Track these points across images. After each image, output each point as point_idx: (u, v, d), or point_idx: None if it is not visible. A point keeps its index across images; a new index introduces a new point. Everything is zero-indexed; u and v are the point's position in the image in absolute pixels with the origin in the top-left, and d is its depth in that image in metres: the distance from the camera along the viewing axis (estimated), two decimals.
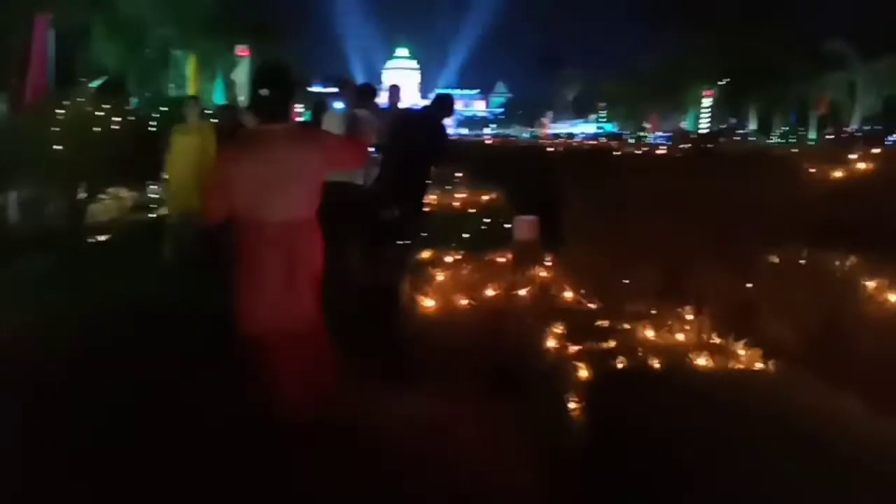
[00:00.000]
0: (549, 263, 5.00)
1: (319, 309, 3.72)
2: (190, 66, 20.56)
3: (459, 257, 5.30)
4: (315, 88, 26.19)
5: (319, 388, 3.60)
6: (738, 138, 40.22)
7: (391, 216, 6.79)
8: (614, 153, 11.25)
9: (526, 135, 74.64)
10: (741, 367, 3.54)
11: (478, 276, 4.88)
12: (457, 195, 8.63)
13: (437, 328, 4.65)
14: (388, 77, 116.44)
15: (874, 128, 38.59)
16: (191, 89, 19.27)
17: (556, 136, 59.34)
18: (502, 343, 4.36)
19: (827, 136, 37.74)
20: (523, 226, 5.22)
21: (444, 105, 7.36)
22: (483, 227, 6.36)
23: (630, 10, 70.70)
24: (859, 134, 37.79)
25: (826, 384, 3.23)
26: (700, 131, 46.81)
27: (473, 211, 7.30)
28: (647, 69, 55.12)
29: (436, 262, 5.26)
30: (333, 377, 3.73)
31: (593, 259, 4.98)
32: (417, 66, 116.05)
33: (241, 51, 25.20)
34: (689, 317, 4.17)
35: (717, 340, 3.85)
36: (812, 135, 41.63)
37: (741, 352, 3.69)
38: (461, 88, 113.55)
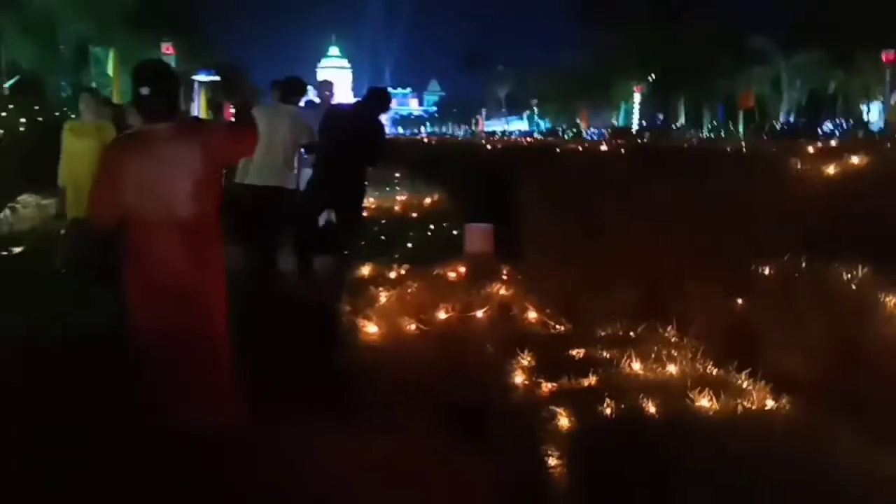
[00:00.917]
0: (507, 278, 4.31)
1: (220, 315, 3.55)
2: (111, 64, 19.12)
3: (404, 272, 4.55)
4: (200, 77, 24.69)
5: (208, 401, 3.42)
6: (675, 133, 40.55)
7: (327, 223, 6.03)
8: (558, 150, 10.68)
9: (461, 132, 74.28)
10: (750, 406, 2.91)
11: (427, 296, 4.14)
12: (396, 198, 7.88)
13: (382, 357, 3.91)
14: (321, 76, 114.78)
15: (800, 121, 39.37)
16: (114, 88, 17.86)
17: (492, 133, 59.14)
18: (458, 376, 3.64)
19: (758, 131, 38.23)
20: (476, 235, 4.52)
21: (379, 99, 6.61)
22: (428, 235, 5.62)
23: (558, 7, 71.06)
24: (786, 127, 38.52)
25: (852, 427, 2.64)
26: (633, 127, 47.12)
27: (416, 216, 6.55)
28: (576, 66, 55.31)
29: (378, 279, 4.51)
30: (228, 391, 3.50)
31: (557, 273, 4.31)
32: (349, 66, 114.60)
33: (167, 49, 23.76)
34: (675, 341, 3.56)
35: (714, 371, 3.22)
36: (740, 129, 42.19)
37: (745, 386, 3.06)
38: (394, 87, 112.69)
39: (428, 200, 7.38)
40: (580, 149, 15.03)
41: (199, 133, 3.47)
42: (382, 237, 5.90)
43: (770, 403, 2.93)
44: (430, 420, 3.49)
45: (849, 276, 3.22)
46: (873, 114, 41.31)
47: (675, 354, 3.35)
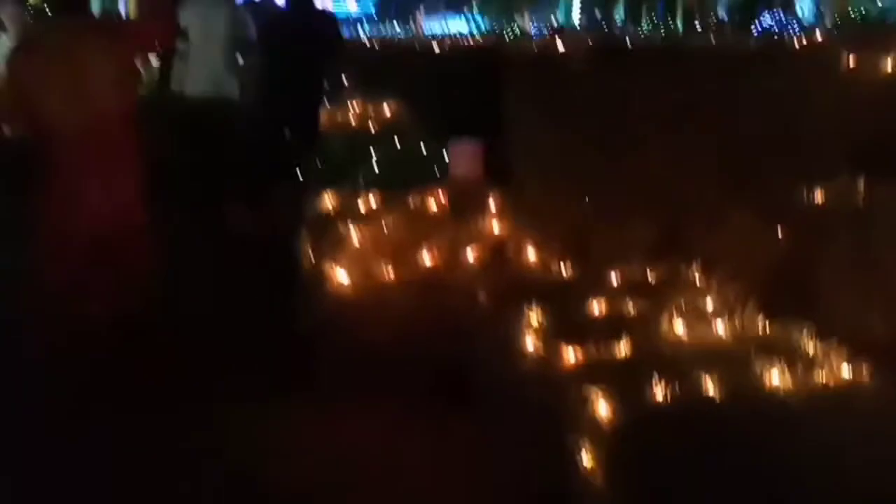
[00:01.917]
0: (500, 209, 3.54)
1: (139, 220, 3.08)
2: None
3: (374, 204, 3.73)
4: None
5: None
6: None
7: (281, 143, 5.11)
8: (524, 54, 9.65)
9: (401, 33, 71.07)
10: (829, 379, 2.27)
11: (405, 234, 3.35)
12: (347, 110, 6.88)
13: (353, 314, 3.16)
14: None
15: (734, 17, 38.54)
16: None
17: (433, 37, 56.70)
18: (449, 339, 2.92)
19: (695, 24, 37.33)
20: (463, 156, 3.72)
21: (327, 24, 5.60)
22: (395, 153, 4.76)
23: None
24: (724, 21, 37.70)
25: None
26: (576, 24, 45.68)
27: (376, 131, 5.64)
28: None
29: (344, 213, 3.69)
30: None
31: (554, 200, 3.55)
32: None
33: None
34: (708, 286, 2.88)
35: (770, 331, 2.56)
36: (679, 26, 41.24)
37: (814, 350, 2.42)
38: None
39: (387, 113, 6.44)
40: (544, 51, 13.97)
41: (106, 27, 3.29)
42: (341, 156, 5.01)
43: (848, 372, 2.31)
44: (412, 389, 2.80)
45: None
46: (805, 6, 40.81)
47: (717, 307, 2.70)
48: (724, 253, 3.01)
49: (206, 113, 5.33)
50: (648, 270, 2.95)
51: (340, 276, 3.24)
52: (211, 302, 3.50)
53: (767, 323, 2.56)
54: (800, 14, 37.87)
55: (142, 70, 3.53)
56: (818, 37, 6.27)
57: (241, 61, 5.67)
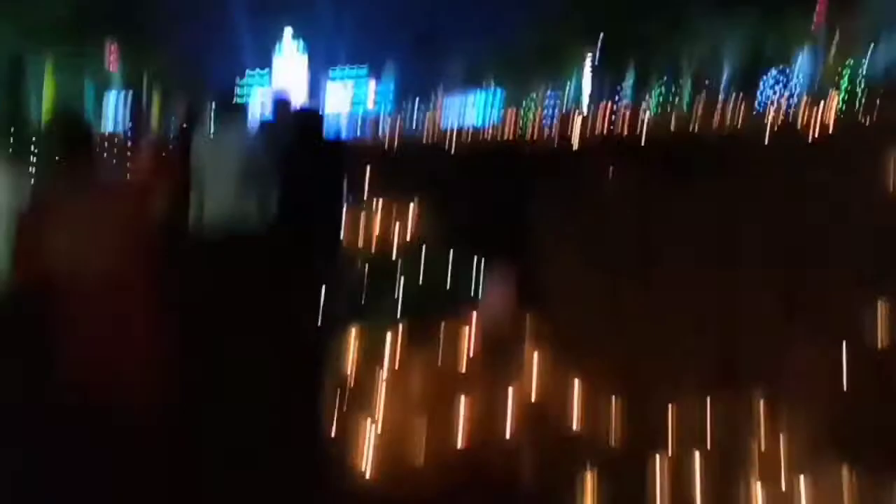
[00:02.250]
0: (534, 341, 3.19)
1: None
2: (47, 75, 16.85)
3: (401, 346, 3.40)
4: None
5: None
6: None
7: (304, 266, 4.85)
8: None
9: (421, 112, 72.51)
10: None
11: (436, 387, 3.01)
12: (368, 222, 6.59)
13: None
14: (277, 62, 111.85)
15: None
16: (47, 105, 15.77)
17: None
18: None
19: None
20: (496, 282, 3.41)
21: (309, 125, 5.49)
22: (420, 273, 4.48)
23: None
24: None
25: None
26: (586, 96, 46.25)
27: (399, 246, 5.39)
28: (526, 38, 54.16)
29: (368, 356, 3.38)
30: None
31: (594, 327, 3.22)
32: (304, 52, 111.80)
33: (112, 51, 21.74)
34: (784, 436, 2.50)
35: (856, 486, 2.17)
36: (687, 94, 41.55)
37: None
38: (351, 65, 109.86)
39: (410, 224, 6.20)
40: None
41: (116, 186, 3.24)
42: (362, 276, 4.74)
43: None
44: None
45: None
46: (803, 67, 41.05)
47: (792, 460, 2.31)
48: (792, 385, 2.65)
49: (225, 245, 5.02)
50: (710, 417, 2.59)
51: (362, 459, 2.87)
52: (223, 445, 3.17)
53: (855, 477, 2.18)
54: (799, 77, 38.14)
55: (150, 218, 3.23)
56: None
57: (255, 186, 5.47)
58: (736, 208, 3.29)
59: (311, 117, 5.56)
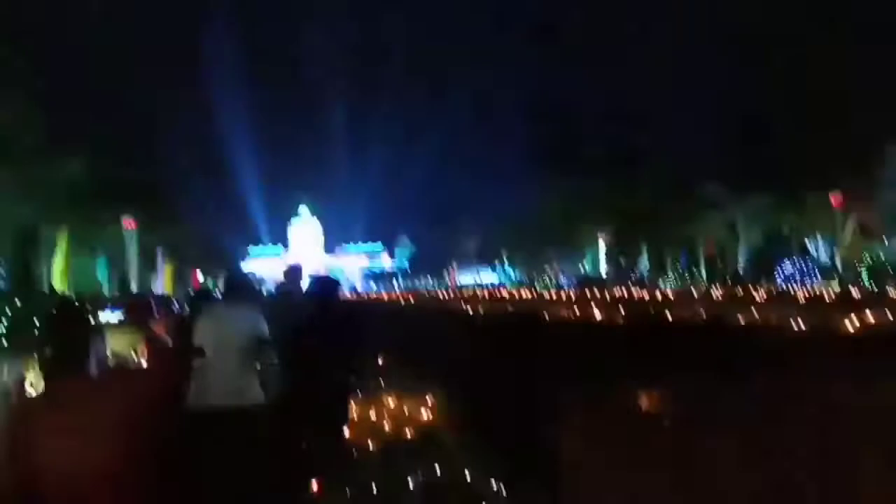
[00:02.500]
0: None
1: None
2: (62, 247, 16.92)
3: None
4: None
5: None
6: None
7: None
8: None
9: (435, 286, 73.45)
10: None
11: None
12: (382, 405, 6.29)
13: None
14: (292, 234, 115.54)
15: (741, 266, 39.07)
16: (61, 272, 15.72)
17: (464, 287, 58.61)
18: None
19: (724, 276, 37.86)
20: None
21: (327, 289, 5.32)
22: (435, 485, 4.00)
23: (522, 158, 73.47)
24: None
25: None
26: (602, 275, 46.69)
27: (410, 436, 4.96)
28: (541, 215, 55.66)
29: None
30: None
31: None
32: (320, 224, 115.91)
33: (128, 222, 22.28)
34: None
35: None
36: (703, 275, 41.86)
37: None
38: (364, 241, 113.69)
39: (424, 413, 5.80)
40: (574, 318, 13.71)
41: (112, 387, 3.07)
42: (368, 479, 4.26)
43: None
44: None
45: None
46: (820, 252, 41.75)
47: None
48: None
49: (230, 424, 4.83)
50: None
51: None
52: None
53: None
54: (815, 258, 38.45)
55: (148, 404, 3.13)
56: None
57: (259, 365, 5.24)
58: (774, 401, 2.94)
59: (327, 281, 5.44)
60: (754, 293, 22.28)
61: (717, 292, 25.60)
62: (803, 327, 9.54)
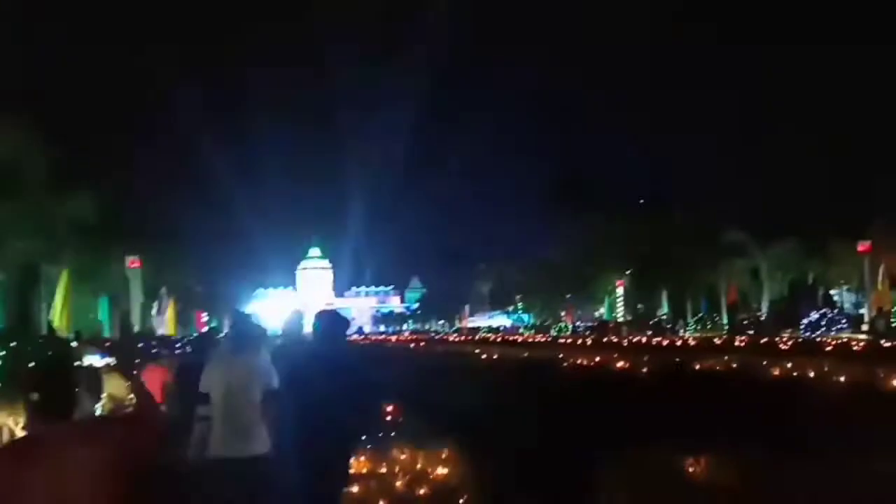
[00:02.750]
0: None
1: None
2: (61, 286, 16.24)
3: None
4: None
5: None
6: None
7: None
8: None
9: (446, 328, 72.68)
10: None
11: None
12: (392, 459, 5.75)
13: None
14: (301, 278, 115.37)
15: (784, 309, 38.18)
16: (57, 311, 14.99)
17: (477, 329, 57.95)
18: None
19: (743, 322, 36.98)
20: None
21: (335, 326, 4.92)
22: None
23: (537, 201, 73.46)
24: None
25: None
26: (618, 318, 45.86)
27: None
28: (557, 260, 55.19)
29: None
30: None
31: None
32: (330, 265, 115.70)
33: (132, 262, 21.84)
34: None
35: None
36: (725, 321, 40.97)
37: None
38: (375, 285, 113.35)
39: (439, 469, 5.22)
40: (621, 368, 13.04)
41: (97, 434, 3.07)
42: None
43: None
44: None
45: None
46: (846, 302, 40.93)
47: None
48: None
49: (240, 473, 4.80)
50: None
51: None
52: None
53: None
54: (840, 307, 37.53)
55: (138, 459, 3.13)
56: None
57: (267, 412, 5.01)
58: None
59: (334, 317, 4.97)
60: (780, 342, 21.53)
61: (739, 340, 24.83)
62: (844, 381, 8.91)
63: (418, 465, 5.47)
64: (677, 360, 13.52)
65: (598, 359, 15.50)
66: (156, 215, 25.69)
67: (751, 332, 31.04)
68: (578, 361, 14.84)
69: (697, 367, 11.51)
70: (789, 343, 21.48)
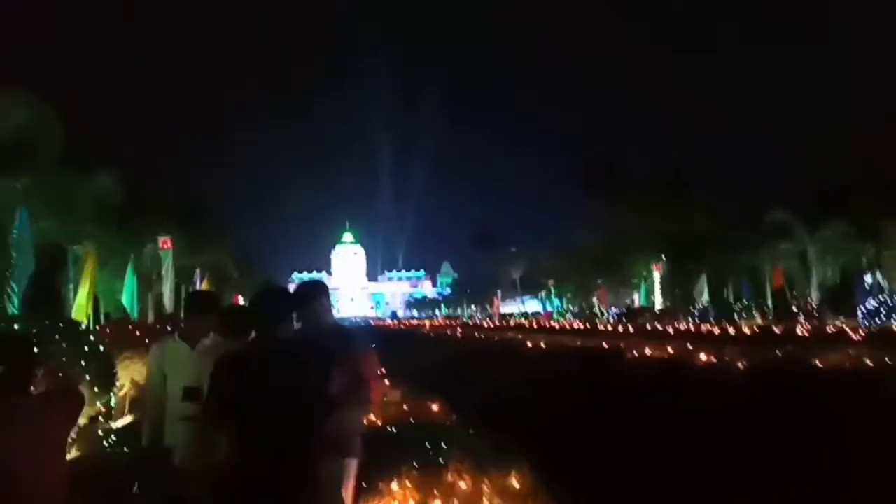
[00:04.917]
0: None
1: None
2: (88, 265, 15.53)
3: None
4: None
5: None
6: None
7: None
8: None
9: (479, 315, 71.54)
10: None
11: None
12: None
13: None
14: (335, 260, 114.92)
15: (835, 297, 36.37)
16: (83, 292, 14.36)
17: (510, 315, 56.76)
18: None
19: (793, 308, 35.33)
20: None
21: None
22: None
23: (569, 185, 71.94)
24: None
25: None
26: (656, 307, 44.36)
27: None
28: (589, 244, 53.76)
29: None
30: None
31: None
32: (363, 250, 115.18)
33: (164, 242, 21.39)
34: None
35: None
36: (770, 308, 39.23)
37: None
38: (407, 270, 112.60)
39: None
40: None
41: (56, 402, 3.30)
42: None
43: None
44: None
45: None
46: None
47: None
48: None
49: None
50: None
51: None
52: None
53: None
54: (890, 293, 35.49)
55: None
56: None
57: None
58: None
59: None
60: (848, 331, 19.92)
61: (802, 329, 23.24)
62: None
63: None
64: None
65: (670, 350, 13.89)
66: (191, 196, 24.95)
67: (801, 320, 29.50)
68: (647, 353, 13.38)
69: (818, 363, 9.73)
70: (862, 333, 19.87)
